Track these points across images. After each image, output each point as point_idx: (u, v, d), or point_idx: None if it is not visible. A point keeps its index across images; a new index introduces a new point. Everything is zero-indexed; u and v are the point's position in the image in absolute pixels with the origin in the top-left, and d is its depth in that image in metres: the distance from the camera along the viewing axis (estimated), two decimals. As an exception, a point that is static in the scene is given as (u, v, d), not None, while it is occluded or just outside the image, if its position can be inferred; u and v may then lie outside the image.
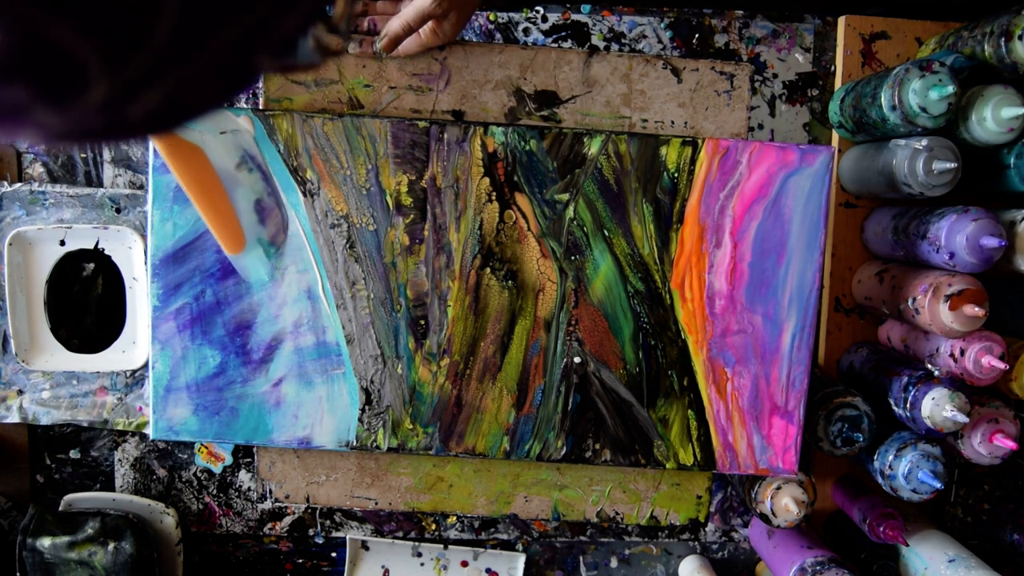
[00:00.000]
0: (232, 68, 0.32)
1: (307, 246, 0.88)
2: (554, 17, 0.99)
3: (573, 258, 0.88)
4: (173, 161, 0.72)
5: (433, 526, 1.05)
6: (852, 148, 0.98)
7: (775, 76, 1.00)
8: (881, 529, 0.91)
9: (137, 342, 1.00)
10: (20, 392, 1.00)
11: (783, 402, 0.89)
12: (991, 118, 0.82)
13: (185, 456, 1.03)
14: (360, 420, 0.90)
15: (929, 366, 0.88)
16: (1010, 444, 0.85)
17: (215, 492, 1.04)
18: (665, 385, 0.90)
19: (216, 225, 0.74)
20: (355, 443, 0.91)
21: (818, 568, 0.90)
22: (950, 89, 0.81)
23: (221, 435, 0.90)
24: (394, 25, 0.87)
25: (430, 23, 0.87)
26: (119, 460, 1.03)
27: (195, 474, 1.03)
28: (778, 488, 0.90)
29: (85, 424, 1.01)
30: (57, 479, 1.04)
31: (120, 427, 1.00)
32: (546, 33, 0.99)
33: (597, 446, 0.91)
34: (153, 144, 0.71)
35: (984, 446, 0.87)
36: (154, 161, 0.85)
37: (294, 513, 1.04)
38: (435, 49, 0.92)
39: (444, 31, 0.88)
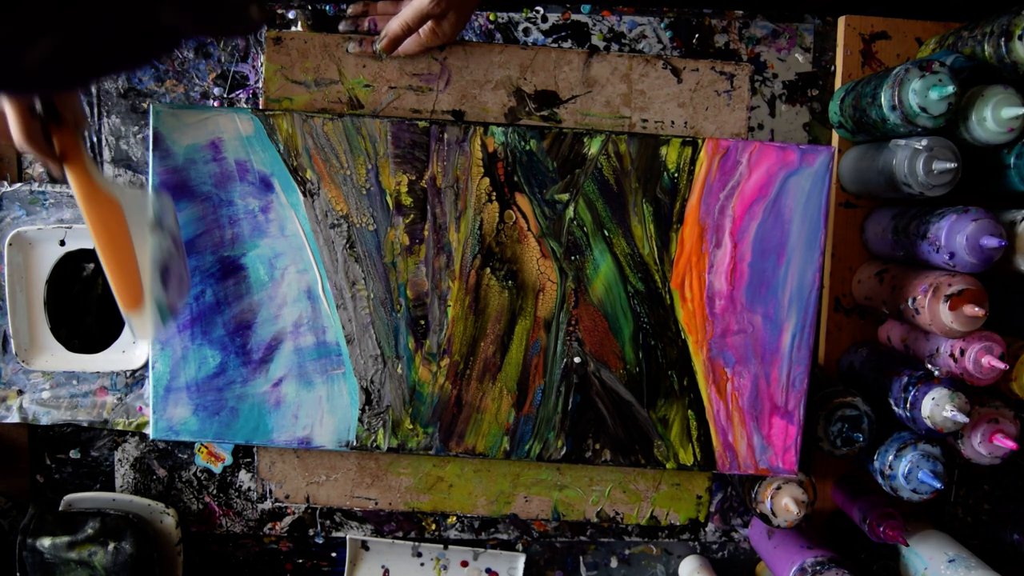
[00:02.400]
0: (131, 21, 0.32)
1: (307, 246, 0.88)
2: (554, 17, 0.99)
3: (573, 258, 0.88)
4: (88, 209, 0.73)
5: (433, 526, 1.05)
6: (852, 148, 0.98)
7: (775, 76, 1.00)
8: (881, 529, 0.91)
9: (137, 342, 1.00)
10: (20, 392, 1.00)
11: (783, 402, 0.89)
12: (991, 118, 0.82)
13: (185, 456, 1.03)
14: (360, 420, 0.90)
15: (929, 366, 0.88)
16: (1010, 444, 0.85)
17: (215, 492, 1.04)
18: (665, 385, 0.90)
19: (117, 279, 0.75)
20: (355, 443, 0.91)
21: (818, 568, 0.90)
22: (950, 89, 0.81)
23: (221, 435, 0.90)
24: (393, 26, 0.87)
25: (429, 23, 0.87)
26: (119, 460, 1.03)
27: (195, 474, 1.03)
28: (778, 488, 0.90)
29: (85, 424, 1.01)
30: (57, 479, 1.04)
31: (120, 427, 1.00)
32: (546, 33, 0.99)
33: (597, 446, 0.91)
34: (73, 189, 0.73)
35: (984, 446, 0.87)
36: (153, 160, 0.86)
37: (294, 513, 1.04)
38: (435, 49, 0.92)
39: (443, 31, 0.88)
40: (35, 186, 0.98)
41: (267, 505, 1.04)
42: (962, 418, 0.81)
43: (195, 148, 0.86)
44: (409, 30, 0.87)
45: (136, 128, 0.99)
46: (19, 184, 0.98)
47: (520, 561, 1.06)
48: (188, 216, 0.87)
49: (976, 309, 0.81)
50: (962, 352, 0.85)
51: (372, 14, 0.92)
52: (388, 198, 0.87)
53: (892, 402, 0.88)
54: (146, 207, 0.77)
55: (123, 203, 0.75)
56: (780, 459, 0.90)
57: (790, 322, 0.88)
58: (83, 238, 0.97)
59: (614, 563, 1.08)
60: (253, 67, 0.99)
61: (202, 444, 1.02)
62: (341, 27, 0.93)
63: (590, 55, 0.93)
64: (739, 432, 0.90)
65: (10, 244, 0.95)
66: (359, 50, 0.91)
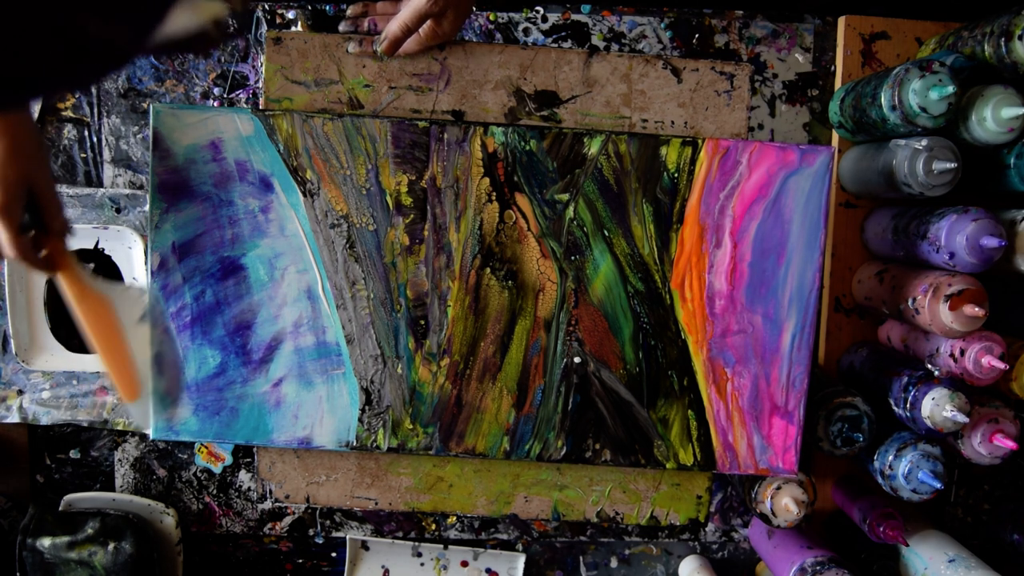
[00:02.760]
0: (53, 36, 0.30)
1: (307, 246, 0.88)
2: (554, 17, 0.99)
3: (573, 258, 0.88)
4: (82, 310, 0.77)
5: (433, 526, 1.05)
6: (852, 148, 0.98)
7: (775, 76, 1.00)
8: (881, 529, 0.91)
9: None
10: (20, 392, 1.00)
11: (783, 402, 0.89)
12: (991, 118, 0.82)
13: (185, 456, 1.03)
14: (360, 420, 0.90)
15: (929, 366, 0.88)
16: (1010, 444, 0.85)
17: (215, 492, 1.04)
18: (665, 385, 0.90)
19: (115, 372, 0.79)
20: (355, 443, 0.91)
21: (818, 568, 0.90)
22: (950, 89, 0.81)
23: (221, 435, 0.90)
24: (392, 28, 0.87)
25: (429, 22, 0.87)
26: (119, 460, 1.03)
27: (195, 474, 1.03)
28: (778, 488, 0.90)
29: (85, 424, 1.01)
30: (57, 479, 1.04)
31: (120, 427, 1.00)
32: (546, 33, 0.99)
33: (597, 446, 0.91)
34: (63, 290, 0.77)
35: (984, 446, 0.87)
36: (152, 160, 0.86)
37: (294, 513, 1.04)
38: (435, 49, 0.92)
39: (443, 29, 0.88)
40: (35, 186, 0.97)
41: (267, 505, 1.04)
42: (962, 418, 0.81)
43: (195, 148, 0.86)
44: (409, 31, 0.87)
45: (136, 128, 0.99)
46: (19, 184, 0.97)
47: (520, 561, 1.06)
48: (188, 216, 0.87)
49: (976, 309, 0.81)
50: (962, 352, 0.85)
51: (372, 14, 0.92)
52: (388, 198, 0.87)
53: (892, 402, 0.88)
54: (135, 301, 0.80)
55: (114, 300, 0.78)
56: (780, 459, 0.90)
57: (790, 322, 0.88)
58: (83, 238, 0.97)
59: (614, 563, 1.08)
60: (253, 67, 0.99)
61: (202, 444, 1.02)
62: (341, 27, 0.93)
63: (590, 55, 0.93)
64: (739, 432, 0.90)
65: (10, 244, 0.95)
66: (359, 50, 0.91)
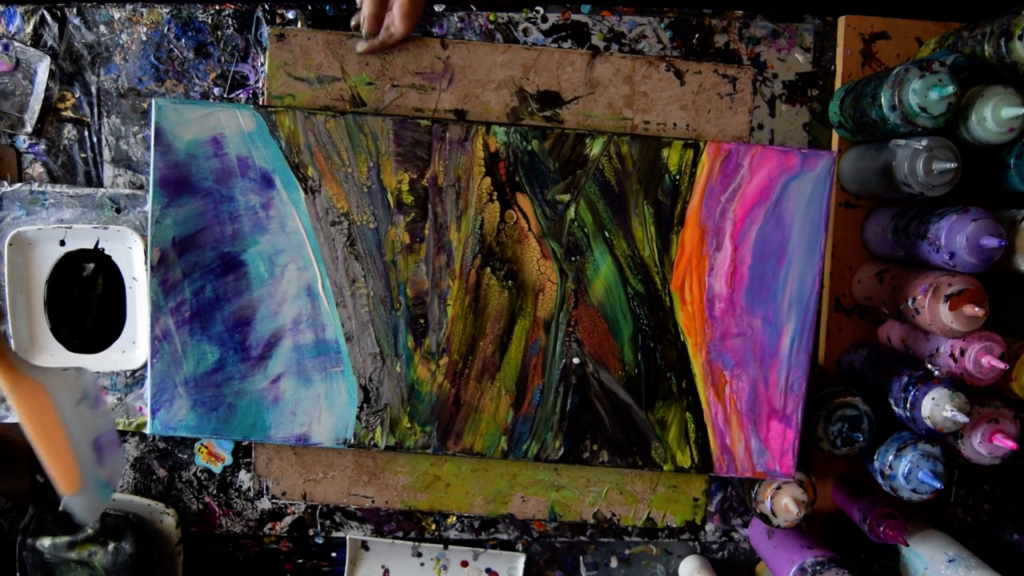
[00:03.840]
0: None
1: (307, 243, 0.88)
2: (554, 17, 0.99)
3: (573, 259, 0.88)
4: (14, 397, 0.74)
5: (433, 526, 1.05)
6: (852, 148, 0.98)
7: (775, 76, 1.00)
8: (881, 529, 0.91)
9: (137, 342, 0.99)
10: (20, 391, 1.00)
11: (781, 406, 0.89)
12: (991, 118, 0.83)
13: (185, 456, 1.03)
14: (358, 418, 0.90)
15: (929, 366, 0.88)
16: (1010, 444, 0.85)
17: (215, 492, 1.04)
18: (664, 387, 0.90)
19: (52, 464, 0.75)
20: (353, 441, 0.91)
21: (818, 568, 0.90)
22: (950, 89, 0.81)
23: (219, 431, 0.90)
24: (364, 8, 0.87)
25: None
26: (118, 459, 1.03)
27: (195, 474, 1.03)
28: (778, 488, 0.90)
29: (84, 423, 1.01)
30: (56, 478, 1.04)
31: (120, 427, 1.00)
32: (546, 33, 0.99)
33: (595, 447, 0.91)
34: None
35: (984, 446, 0.87)
36: (154, 155, 0.86)
37: (294, 513, 1.04)
38: (438, 47, 0.92)
39: None
40: (35, 186, 0.98)
41: (267, 505, 1.04)
42: (962, 418, 0.81)
43: (197, 144, 0.86)
44: (380, 2, 0.86)
45: (136, 128, 0.99)
46: (19, 184, 0.98)
47: (520, 561, 1.06)
48: (189, 212, 0.87)
49: (976, 309, 0.81)
50: (962, 352, 0.85)
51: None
52: (389, 196, 0.88)
53: (892, 402, 0.88)
54: (72, 384, 0.78)
55: (46, 385, 0.76)
56: (777, 463, 0.90)
57: (789, 326, 0.88)
58: (83, 238, 0.97)
59: (614, 563, 1.08)
60: (253, 67, 0.99)
61: (202, 444, 1.02)
62: (352, 22, 0.92)
63: (593, 56, 0.93)
64: (737, 435, 0.90)
65: (10, 244, 0.95)
66: (366, 46, 0.90)
